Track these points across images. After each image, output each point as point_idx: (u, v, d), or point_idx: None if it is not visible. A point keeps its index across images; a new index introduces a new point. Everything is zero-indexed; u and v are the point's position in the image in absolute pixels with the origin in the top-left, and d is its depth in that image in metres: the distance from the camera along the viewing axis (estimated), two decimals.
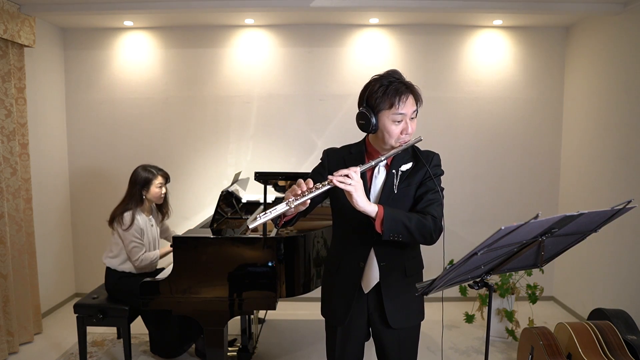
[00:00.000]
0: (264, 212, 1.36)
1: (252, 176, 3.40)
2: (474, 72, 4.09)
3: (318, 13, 3.69)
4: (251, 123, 4.14)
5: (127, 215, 2.76)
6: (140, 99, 4.12)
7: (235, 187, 3.15)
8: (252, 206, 3.57)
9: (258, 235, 2.44)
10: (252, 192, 3.68)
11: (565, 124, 4.11)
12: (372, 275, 1.60)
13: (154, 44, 4.08)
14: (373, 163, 1.50)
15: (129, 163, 4.14)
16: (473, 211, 4.20)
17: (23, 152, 3.34)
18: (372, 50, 4.04)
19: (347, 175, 1.40)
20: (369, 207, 1.43)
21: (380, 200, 1.57)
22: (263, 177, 2.80)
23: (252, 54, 4.07)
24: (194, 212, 4.19)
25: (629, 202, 1.32)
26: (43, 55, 3.77)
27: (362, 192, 1.42)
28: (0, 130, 3.14)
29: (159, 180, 2.88)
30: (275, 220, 1.51)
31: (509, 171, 4.17)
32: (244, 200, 3.57)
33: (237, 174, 3.20)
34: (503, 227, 1.18)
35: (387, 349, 1.66)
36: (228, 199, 3.08)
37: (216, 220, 2.65)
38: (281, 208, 1.37)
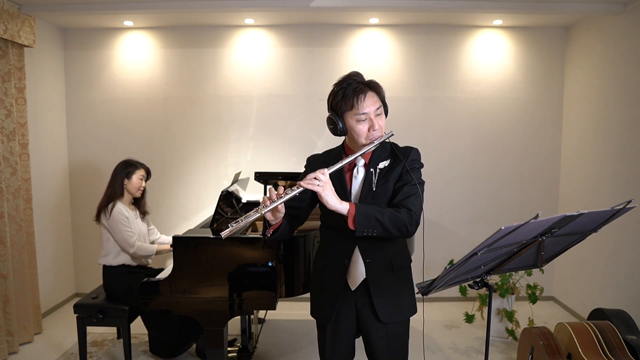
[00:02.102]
0: (235, 221, 1.41)
1: (252, 176, 3.41)
2: (474, 72, 4.09)
3: (318, 13, 3.69)
4: (251, 123, 4.14)
5: (111, 205, 2.83)
6: (140, 98, 4.12)
7: (235, 187, 3.15)
8: (252, 206, 3.56)
9: (258, 235, 2.44)
10: (252, 192, 3.68)
11: (565, 124, 4.11)
12: (358, 272, 1.62)
13: (154, 44, 4.08)
14: (343, 162, 1.54)
15: None
16: (473, 211, 4.20)
17: (23, 152, 3.34)
18: (372, 50, 4.04)
19: (315, 178, 1.44)
20: (340, 206, 1.46)
21: (360, 198, 1.60)
22: (263, 177, 2.80)
23: (252, 54, 4.07)
24: (194, 212, 4.19)
25: (629, 202, 1.32)
26: (43, 55, 3.77)
27: (330, 191, 1.46)
28: (0, 130, 3.14)
29: (141, 172, 2.95)
30: (264, 229, 1.60)
31: (509, 171, 4.17)
32: (244, 200, 3.57)
33: (237, 174, 3.20)
34: (503, 227, 1.18)
35: (375, 345, 1.66)
36: (228, 199, 3.08)
37: (216, 220, 2.65)
38: (252, 215, 1.43)
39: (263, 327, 3.63)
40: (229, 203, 3.15)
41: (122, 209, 2.84)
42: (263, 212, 1.43)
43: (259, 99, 4.11)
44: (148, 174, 3.02)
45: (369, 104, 1.56)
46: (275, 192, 1.48)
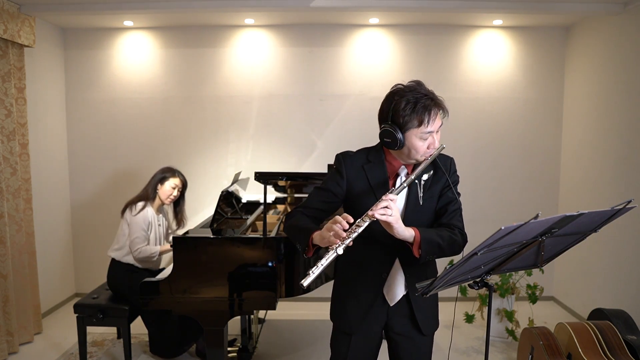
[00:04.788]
0: (315, 266, 1.31)
1: (252, 176, 3.41)
2: (474, 72, 4.08)
3: (318, 13, 3.69)
4: (251, 123, 4.14)
5: (140, 204, 2.89)
6: (140, 98, 4.12)
7: (235, 187, 3.15)
8: (252, 206, 3.56)
9: (258, 235, 2.44)
10: (252, 192, 3.68)
11: (565, 124, 4.11)
12: (397, 287, 1.58)
13: (154, 44, 4.08)
14: (405, 185, 1.45)
15: (129, 163, 4.16)
16: (473, 211, 4.20)
17: (23, 152, 3.33)
18: (372, 50, 4.04)
19: (387, 207, 1.35)
20: (407, 234, 1.41)
21: (406, 212, 1.53)
22: (263, 177, 2.79)
23: (252, 54, 4.07)
24: (194, 212, 4.19)
25: (629, 202, 1.32)
26: (43, 55, 3.77)
27: (401, 221, 1.40)
28: (0, 130, 3.14)
29: (175, 180, 3.00)
30: (302, 249, 1.50)
31: (509, 171, 4.17)
32: (244, 200, 3.57)
33: (237, 174, 3.20)
34: (503, 227, 1.18)
35: (406, 356, 1.64)
36: (228, 199, 3.08)
37: (216, 220, 2.65)
38: (331, 256, 1.31)
39: (263, 327, 3.63)
40: (229, 203, 3.15)
41: (148, 211, 2.90)
42: (341, 252, 1.31)
43: (259, 99, 4.11)
44: (184, 185, 3.06)
45: (437, 122, 1.45)
46: (344, 222, 1.35)
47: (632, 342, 2.42)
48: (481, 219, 4.19)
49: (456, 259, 1.37)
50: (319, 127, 4.11)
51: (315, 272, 1.29)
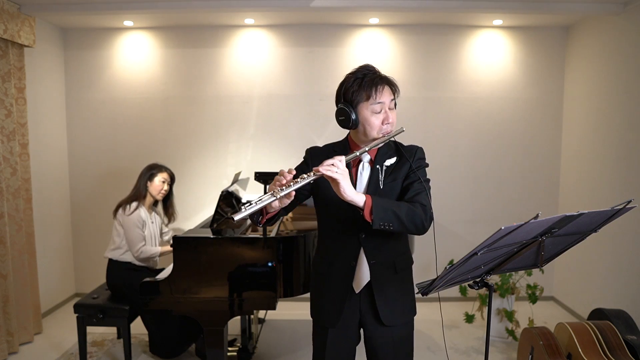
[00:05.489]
0: (249, 204, 1.32)
1: (252, 176, 3.41)
2: (474, 72, 4.08)
3: (318, 13, 3.69)
4: (251, 123, 4.14)
5: (134, 204, 2.91)
6: (140, 99, 4.12)
7: (235, 187, 3.15)
8: None
9: (258, 235, 2.44)
10: (252, 192, 3.68)
11: (565, 124, 4.11)
12: (363, 274, 1.59)
13: (154, 44, 4.08)
14: (357, 153, 1.49)
15: (129, 163, 4.16)
16: (473, 211, 4.20)
17: (23, 152, 3.34)
18: (372, 50, 4.04)
19: (333, 165, 1.38)
20: (357, 197, 1.41)
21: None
22: (263, 177, 2.81)
23: (252, 54, 4.07)
24: (194, 212, 4.19)
25: (629, 202, 1.32)
26: (43, 55, 3.77)
27: (349, 180, 1.40)
28: (0, 130, 3.14)
29: (163, 175, 3.03)
30: (256, 217, 1.49)
31: (509, 171, 4.17)
32: (244, 200, 3.56)
33: (237, 174, 3.20)
34: (503, 227, 1.18)
35: (380, 350, 1.63)
36: (228, 199, 3.08)
37: (216, 220, 2.64)
38: (267, 199, 1.33)
39: (263, 327, 3.63)
40: (229, 203, 3.15)
41: (141, 211, 2.93)
42: (279, 196, 1.33)
43: (259, 99, 4.11)
44: (172, 178, 3.10)
45: (385, 95, 1.53)
46: (288, 174, 1.39)
47: (632, 342, 2.41)
48: (481, 219, 4.19)
49: (456, 258, 1.37)
50: (319, 127, 4.11)
51: (247, 209, 1.31)
